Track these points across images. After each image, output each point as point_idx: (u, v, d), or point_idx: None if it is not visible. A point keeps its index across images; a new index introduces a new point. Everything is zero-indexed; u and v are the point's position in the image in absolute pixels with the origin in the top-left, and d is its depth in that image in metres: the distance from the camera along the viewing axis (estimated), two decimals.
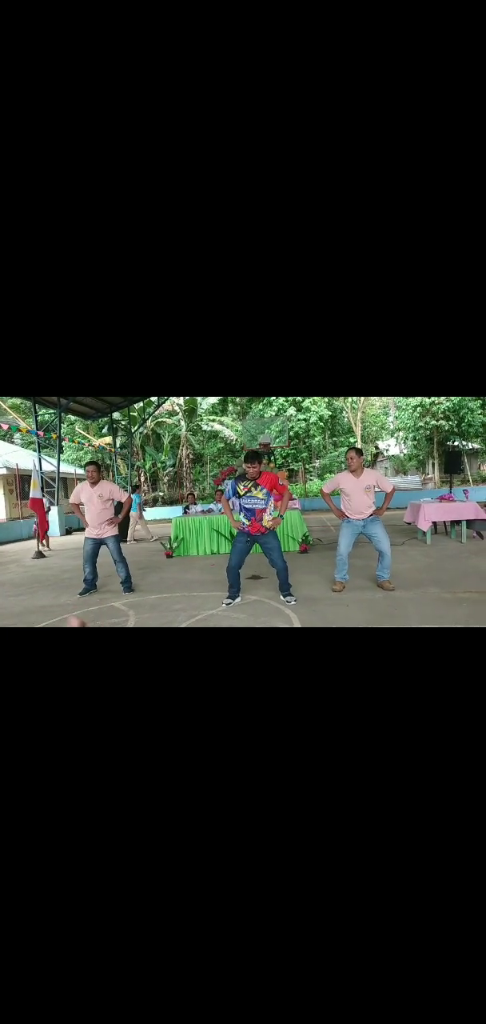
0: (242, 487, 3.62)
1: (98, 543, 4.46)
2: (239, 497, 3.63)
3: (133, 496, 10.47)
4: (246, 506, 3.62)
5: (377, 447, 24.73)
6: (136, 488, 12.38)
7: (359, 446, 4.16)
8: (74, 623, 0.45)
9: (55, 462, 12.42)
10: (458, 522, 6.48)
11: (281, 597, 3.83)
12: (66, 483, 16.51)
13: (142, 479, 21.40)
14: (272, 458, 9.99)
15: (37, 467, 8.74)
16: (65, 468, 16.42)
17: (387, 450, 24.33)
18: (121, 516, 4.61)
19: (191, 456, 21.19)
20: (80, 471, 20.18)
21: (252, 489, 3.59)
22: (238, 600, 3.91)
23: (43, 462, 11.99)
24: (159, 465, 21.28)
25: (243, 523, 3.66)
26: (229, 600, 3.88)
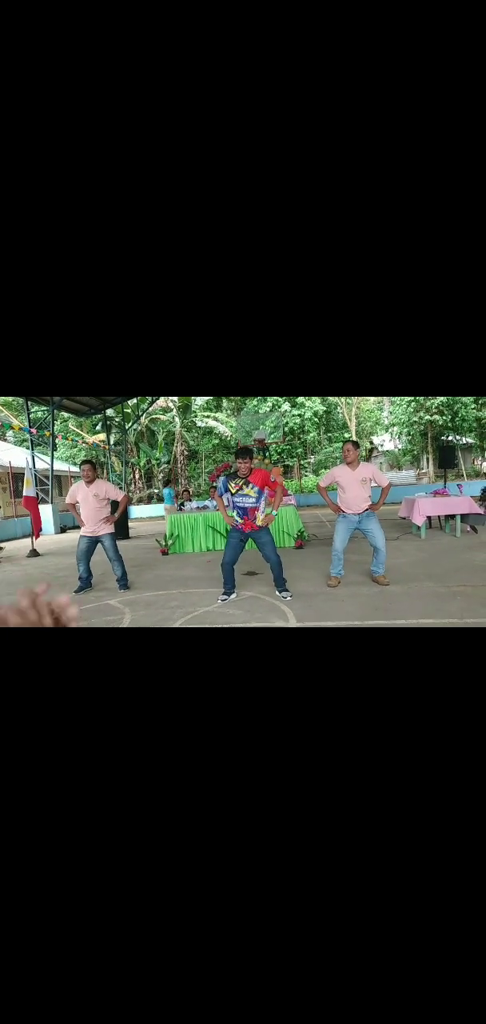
0: (233, 485, 3.63)
1: (93, 541, 4.43)
2: (232, 495, 3.64)
3: (165, 490, 10.31)
4: (238, 505, 3.63)
5: (372, 442, 24.80)
6: (169, 483, 12.27)
7: (355, 439, 4.16)
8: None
9: (48, 460, 12.33)
10: (452, 516, 6.52)
11: (277, 593, 3.84)
12: (60, 481, 16.42)
13: (136, 476, 21.31)
14: (267, 454, 9.99)
15: (30, 465, 8.68)
16: (59, 466, 16.33)
17: (382, 445, 24.43)
18: (118, 515, 4.56)
19: (186, 453, 21.14)
20: (74, 468, 20.04)
21: (243, 487, 3.60)
22: (233, 596, 3.92)
23: (36, 460, 11.90)
24: (154, 462, 21.20)
25: (236, 521, 3.66)
26: (224, 596, 3.88)
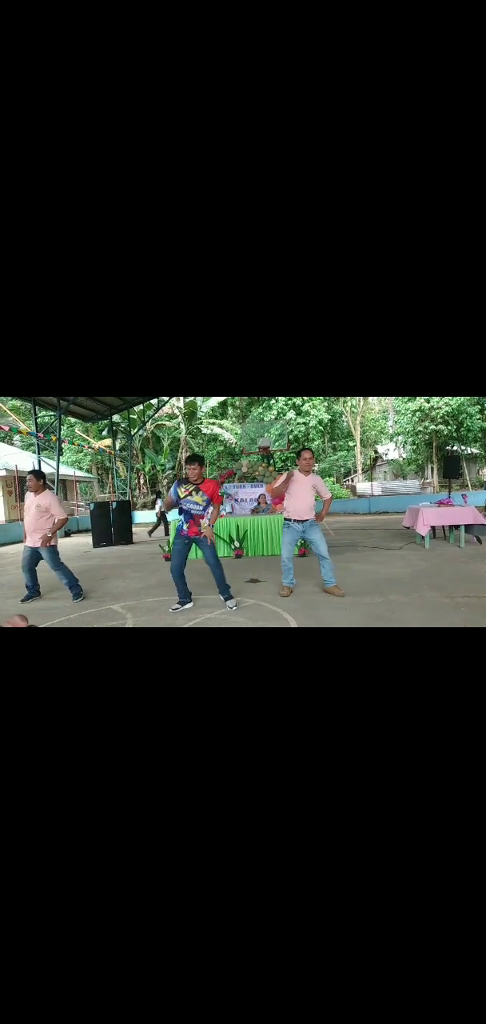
0: (183, 490, 3.74)
1: (34, 551, 4.37)
2: (180, 498, 3.76)
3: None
4: (184, 508, 3.75)
5: (376, 451, 24.75)
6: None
7: (312, 447, 4.20)
8: (18, 622, 0.42)
9: (54, 464, 12.42)
10: (457, 527, 6.49)
11: (222, 601, 3.86)
12: (65, 485, 16.50)
13: (141, 481, 21.37)
14: (271, 461, 10.00)
15: (36, 469, 8.74)
16: (65, 470, 16.42)
17: (386, 454, 24.36)
18: (51, 534, 4.33)
19: None
20: (80, 473, 20.14)
21: (193, 493, 3.72)
22: (189, 605, 3.93)
23: (42, 464, 11.98)
24: (158, 468, 21.28)
25: (182, 526, 3.78)
26: (176, 607, 3.89)
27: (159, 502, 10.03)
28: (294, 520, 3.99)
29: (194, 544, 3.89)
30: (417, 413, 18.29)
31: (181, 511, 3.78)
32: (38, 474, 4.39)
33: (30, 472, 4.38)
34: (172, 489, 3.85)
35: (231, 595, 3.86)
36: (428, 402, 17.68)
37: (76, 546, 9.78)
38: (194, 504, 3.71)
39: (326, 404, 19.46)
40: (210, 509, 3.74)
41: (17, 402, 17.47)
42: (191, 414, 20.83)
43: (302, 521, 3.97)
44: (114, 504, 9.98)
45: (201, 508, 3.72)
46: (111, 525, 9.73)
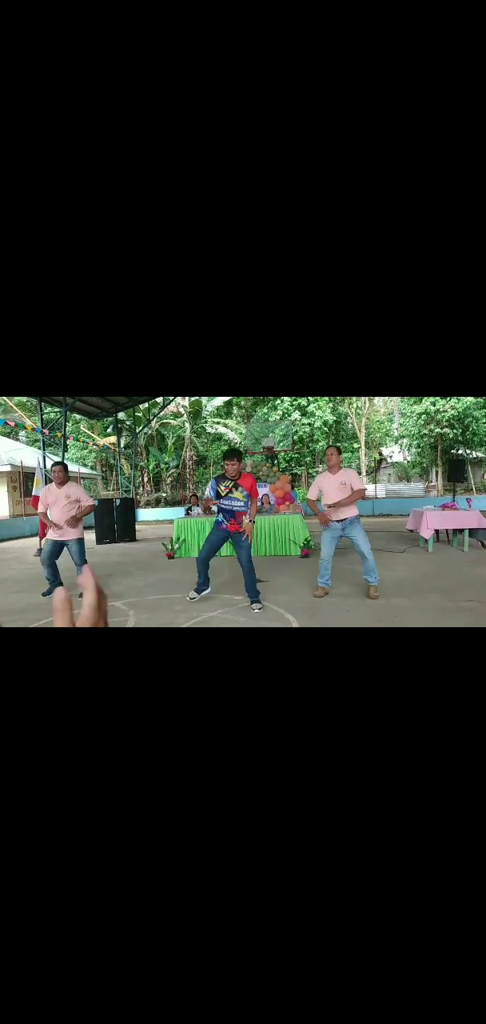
0: (223, 487, 3.57)
1: (60, 545, 4.35)
2: (219, 498, 3.60)
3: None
4: (225, 507, 3.58)
5: (381, 453, 24.70)
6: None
7: (337, 445, 3.99)
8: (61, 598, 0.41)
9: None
10: (460, 530, 6.46)
11: (249, 603, 3.75)
12: None
13: (145, 479, 21.44)
14: (276, 462, 10.01)
15: (41, 465, 8.78)
16: (69, 466, 16.50)
17: (391, 457, 24.31)
18: (80, 514, 4.28)
19: (194, 458, 21.25)
20: (84, 470, 20.23)
21: (233, 490, 3.55)
22: (207, 591, 3.90)
23: (47, 460, 12.04)
24: (163, 466, 21.33)
25: (223, 522, 3.64)
26: (194, 595, 3.84)
27: (197, 508, 8.66)
28: (332, 519, 3.84)
29: (228, 541, 3.71)
30: (423, 416, 18.22)
31: (220, 510, 3.60)
32: (65, 467, 4.39)
33: (54, 464, 4.37)
34: (210, 487, 3.66)
35: (259, 600, 3.72)
36: (434, 405, 17.62)
37: None
38: (236, 501, 3.54)
39: (331, 405, 19.43)
40: (250, 505, 3.57)
41: (23, 398, 17.56)
42: (196, 413, 20.87)
43: (340, 520, 3.82)
44: (118, 501, 10.01)
45: (243, 504, 3.54)
46: (114, 522, 9.76)
